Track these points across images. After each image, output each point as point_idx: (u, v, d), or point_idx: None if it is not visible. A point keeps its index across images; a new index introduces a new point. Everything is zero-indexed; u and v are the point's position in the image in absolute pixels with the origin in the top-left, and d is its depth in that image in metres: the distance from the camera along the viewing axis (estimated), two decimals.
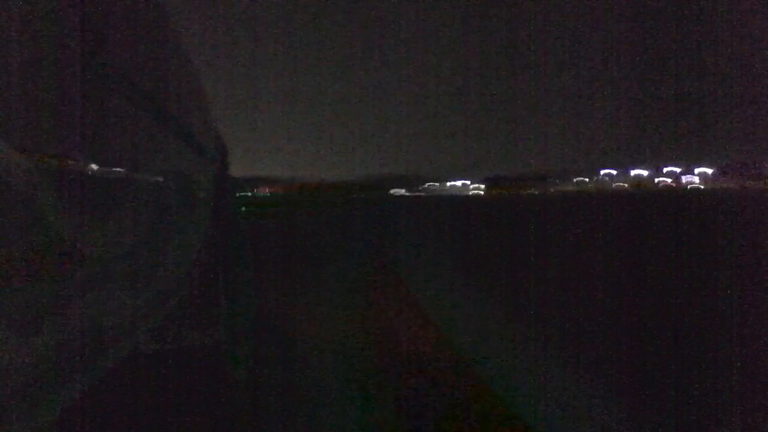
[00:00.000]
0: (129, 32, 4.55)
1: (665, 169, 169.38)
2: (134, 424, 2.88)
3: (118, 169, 4.41)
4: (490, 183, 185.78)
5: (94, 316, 3.33)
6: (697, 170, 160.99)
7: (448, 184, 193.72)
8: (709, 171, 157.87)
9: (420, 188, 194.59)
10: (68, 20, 3.05)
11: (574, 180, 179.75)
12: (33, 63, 2.67)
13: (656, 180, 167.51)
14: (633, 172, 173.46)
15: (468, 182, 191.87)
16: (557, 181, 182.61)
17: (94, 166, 3.80)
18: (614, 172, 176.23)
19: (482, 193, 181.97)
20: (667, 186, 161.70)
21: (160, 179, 6.21)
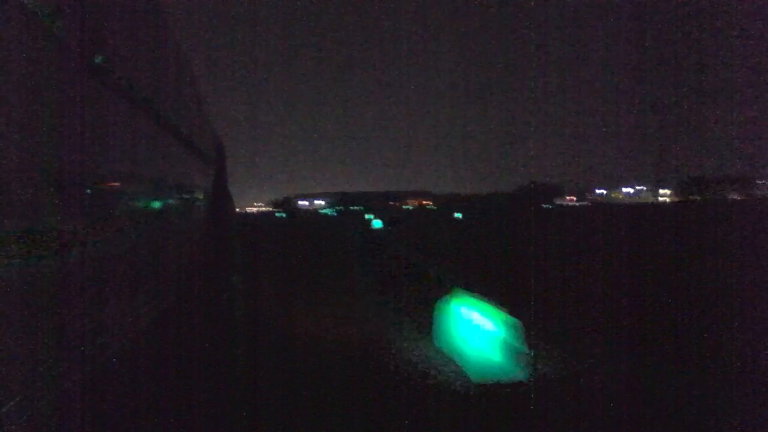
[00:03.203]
0: (129, 35, 4.58)
1: None
2: (134, 424, 2.89)
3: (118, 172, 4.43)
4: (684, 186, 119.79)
5: (94, 315, 3.35)
6: None
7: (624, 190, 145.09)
8: None
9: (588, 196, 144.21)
10: (69, 22, 3.08)
11: None
12: (33, 65, 2.69)
13: None
14: None
15: (643, 188, 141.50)
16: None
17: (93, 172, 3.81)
18: None
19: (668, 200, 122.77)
20: None
21: (161, 181, 6.22)
